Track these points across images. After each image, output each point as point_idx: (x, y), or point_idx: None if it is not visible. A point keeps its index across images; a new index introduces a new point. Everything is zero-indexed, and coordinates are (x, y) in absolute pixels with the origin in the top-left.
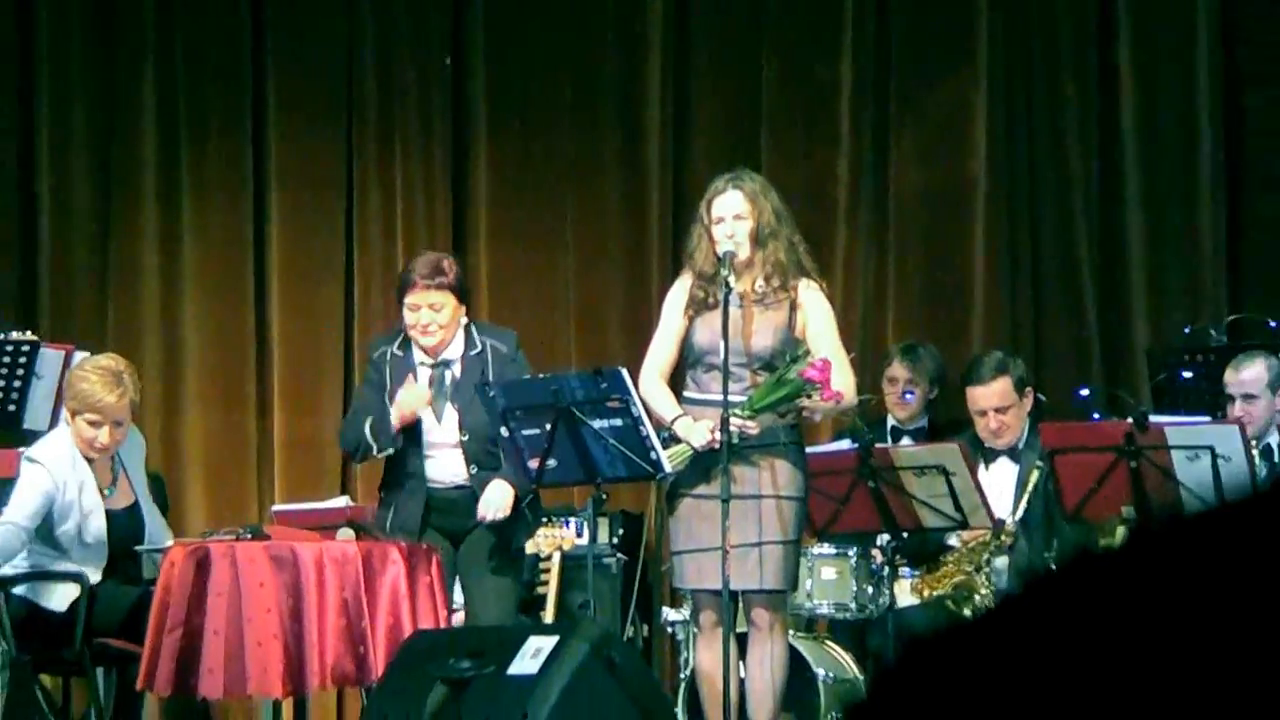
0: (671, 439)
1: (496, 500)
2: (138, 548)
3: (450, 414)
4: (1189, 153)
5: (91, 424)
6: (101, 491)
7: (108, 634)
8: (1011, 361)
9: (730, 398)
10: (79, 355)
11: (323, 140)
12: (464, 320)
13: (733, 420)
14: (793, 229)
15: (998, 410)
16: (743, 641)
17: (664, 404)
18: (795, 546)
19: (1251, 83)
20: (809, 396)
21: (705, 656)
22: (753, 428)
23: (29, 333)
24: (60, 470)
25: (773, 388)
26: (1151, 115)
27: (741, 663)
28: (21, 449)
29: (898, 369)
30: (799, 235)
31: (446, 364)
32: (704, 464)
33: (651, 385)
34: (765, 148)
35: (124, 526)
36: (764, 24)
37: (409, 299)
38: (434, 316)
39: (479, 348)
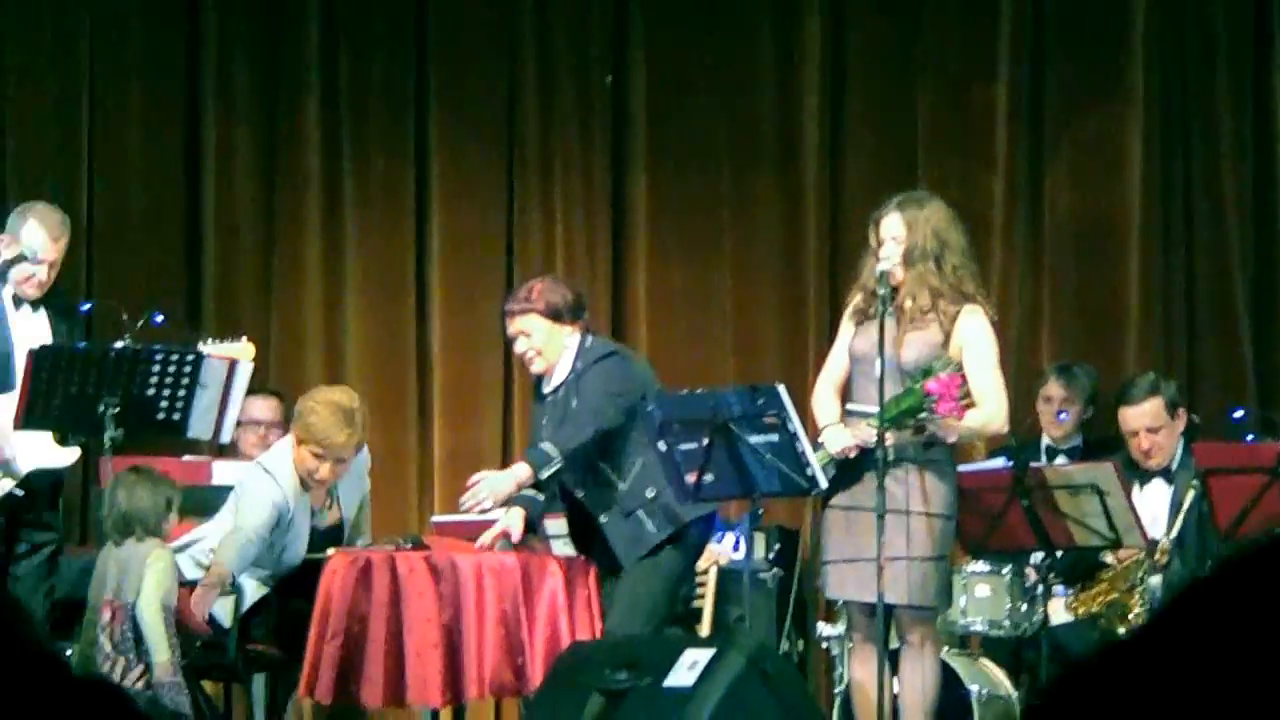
0: (817, 447)
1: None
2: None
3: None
4: None
5: (315, 456)
6: (313, 513)
7: (263, 640)
8: (1164, 382)
9: (872, 410)
10: (244, 369)
11: (484, 158)
12: (572, 341)
13: (866, 429)
14: (957, 254)
15: (1150, 430)
16: (895, 657)
17: (823, 412)
18: (944, 563)
19: None
20: (929, 410)
21: (858, 670)
22: (890, 438)
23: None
24: (289, 487)
25: (900, 398)
26: None
27: (895, 678)
28: (188, 456)
29: (1053, 388)
30: (968, 262)
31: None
32: (854, 475)
33: (819, 393)
34: (921, 171)
35: (319, 544)
36: (919, 48)
37: (508, 333)
38: (527, 344)
39: (579, 370)
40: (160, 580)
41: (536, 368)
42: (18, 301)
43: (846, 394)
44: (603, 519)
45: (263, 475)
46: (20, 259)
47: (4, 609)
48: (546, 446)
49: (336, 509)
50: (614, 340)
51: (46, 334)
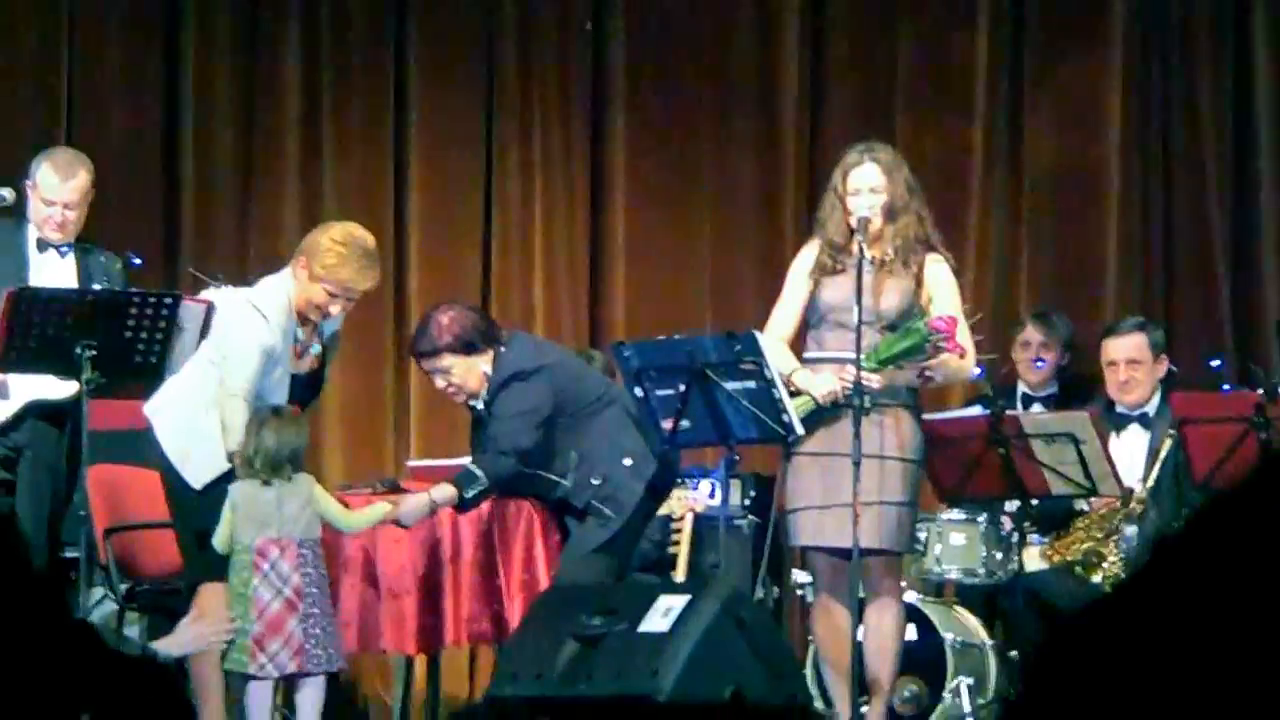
0: (795, 393)
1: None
2: None
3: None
4: None
5: (331, 295)
6: (297, 354)
7: None
8: (1150, 324)
9: (852, 356)
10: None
11: (463, 100)
12: (488, 365)
13: (849, 372)
14: (922, 203)
15: (1130, 362)
16: (861, 604)
17: (784, 361)
18: (913, 509)
19: None
20: (935, 347)
21: (822, 618)
22: (876, 381)
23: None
24: (280, 329)
25: (899, 338)
26: None
27: (860, 626)
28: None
29: (1031, 333)
30: (927, 209)
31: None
32: (824, 420)
33: (773, 347)
34: (900, 120)
35: (302, 390)
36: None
37: (422, 366)
38: (446, 380)
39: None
40: (332, 503)
41: (460, 400)
42: (43, 245)
43: (797, 347)
44: (569, 521)
45: (251, 314)
46: (2, 201)
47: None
48: (474, 468)
49: (311, 357)
50: (533, 334)
51: (73, 279)
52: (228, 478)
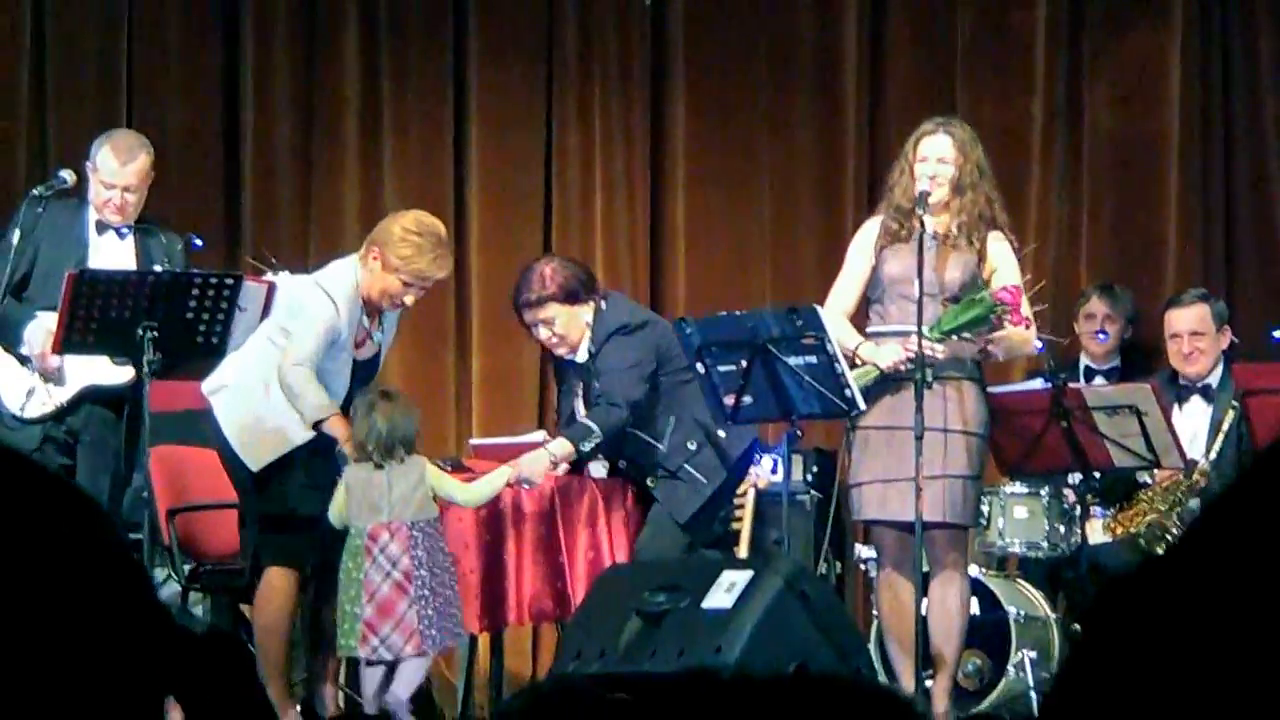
0: (854, 365)
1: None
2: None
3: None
4: None
5: (406, 285)
6: (358, 343)
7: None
8: (1214, 299)
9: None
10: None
11: (523, 80)
12: (589, 317)
13: (923, 342)
14: (992, 186)
15: (1194, 334)
16: (926, 579)
17: (846, 334)
18: (978, 483)
19: None
20: (1000, 318)
21: (886, 593)
22: (940, 351)
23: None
24: (346, 310)
25: (964, 309)
26: None
27: (925, 599)
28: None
29: (1095, 305)
30: (997, 191)
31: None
32: (887, 393)
33: (834, 321)
34: (960, 94)
35: (360, 376)
36: None
37: (524, 319)
38: (549, 331)
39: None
40: (447, 479)
41: (562, 352)
42: (103, 227)
43: (859, 322)
44: (650, 484)
45: (318, 295)
46: (63, 184)
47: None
48: (588, 421)
49: (371, 343)
50: (631, 300)
51: (132, 260)
52: (285, 461)
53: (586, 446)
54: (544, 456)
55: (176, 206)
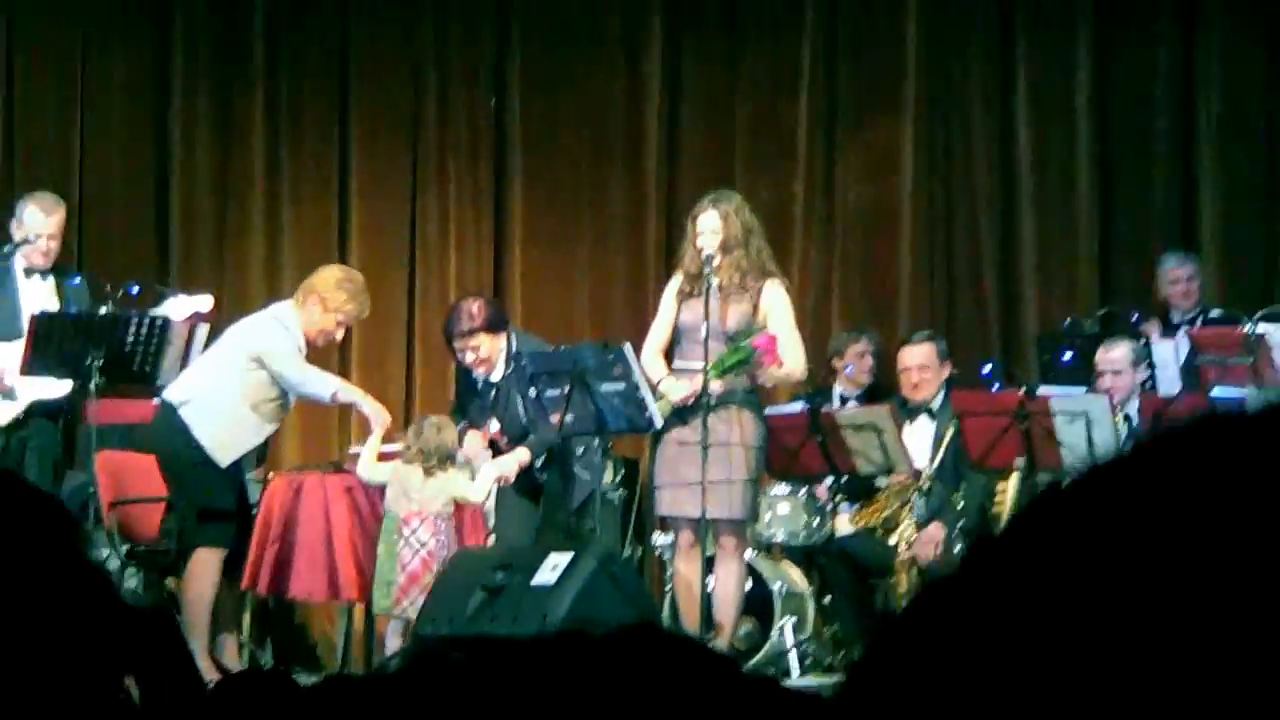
0: (658, 396)
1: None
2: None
3: (494, 423)
4: (1069, 177)
5: (339, 325)
6: None
7: None
8: (938, 338)
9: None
10: (201, 329)
11: (391, 159)
12: (503, 345)
13: (699, 379)
14: (761, 239)
15: (920, 367)
16: (710, 561)
17: (656, 370)
18: (755, 485)
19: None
20: (759, 360)
21: (683, 568)
22: (718, 386)
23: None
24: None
25: (730, 354)
26: (1041, 143)
27: (710, 577)
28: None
29: (865, 345)
30: (765, 244)
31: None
32: (684, 416)
33: (649, 358)
34: (739, 173)
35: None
36: (738, 73)
37: (455, 346)
38: (475, 356)
39: (515, 364)
40: (460, 485)
41: (481, 371)
42: (28, 271)
43: (669, 357)
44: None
45: (283, 330)
46: (25, 242)
47: (61, 524)
48: (545, 439)
49: None
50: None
51: (51, 296)
52: (211, 462)
53: (540, 460)
54: (514, 461)
55: (118, 254)
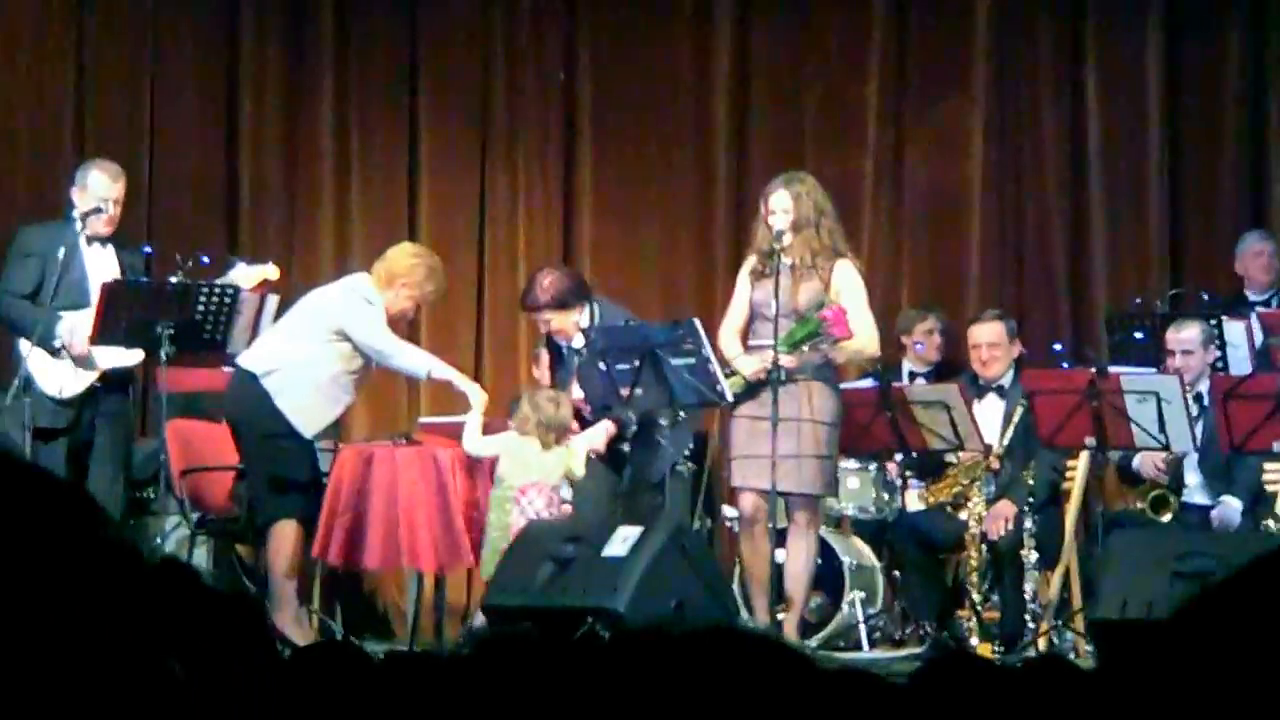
0: (732, 373)
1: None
2: None
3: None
4: (1138, 158)
5: (415, 303)
6: None
7: None
8: (1007, 316)
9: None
10: (271, 299)
11: (461, 136)
12: (580, 316)
13: (776, 354)
14: (831, 220)
15: (990, 345)
16: (782, 535)
17: (733, 350)
18: (830, 461)
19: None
20: (827, 332)
21: (746, 545)
22: (789, 360)
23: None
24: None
25: (799, 327)
26: (1111, 124)
27: (781, 550)
28: (227, 366)
29: (933, 322)
30: (837, 225)
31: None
32: (755, 392)
33: (727, 337)
34: (808, 152)
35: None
36: (808, 53)
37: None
38: (548, 328)
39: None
40: (569, 459)
41: (560, 340)
42: (90, 240)
43: (745, 337)
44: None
45: (366, 305)
46: (97, 210)
47: (81, 502)
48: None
49: None
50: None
51: (114, 266)
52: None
53: (629, 431)
54: (603, 432)
55: (187, 224)
